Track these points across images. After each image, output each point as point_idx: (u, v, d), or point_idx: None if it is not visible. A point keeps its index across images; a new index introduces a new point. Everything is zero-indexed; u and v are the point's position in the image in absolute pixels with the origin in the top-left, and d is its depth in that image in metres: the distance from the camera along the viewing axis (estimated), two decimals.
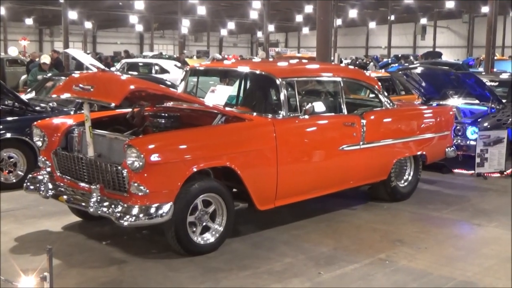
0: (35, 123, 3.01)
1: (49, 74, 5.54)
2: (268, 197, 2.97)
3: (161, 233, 2.57)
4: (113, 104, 2.46)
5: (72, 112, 3.84)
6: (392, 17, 21.69)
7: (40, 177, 2.76)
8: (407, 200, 3.55)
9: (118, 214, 2.48)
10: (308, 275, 2.30)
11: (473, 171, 4.16)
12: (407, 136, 3.52)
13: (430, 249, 2.64)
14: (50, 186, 2.70)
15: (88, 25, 21.95)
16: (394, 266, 2.40)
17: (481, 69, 11.88)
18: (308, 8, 19.92)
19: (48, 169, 2.79)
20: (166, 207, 2.51)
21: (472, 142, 4.11)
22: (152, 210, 2.51)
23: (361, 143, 3.36)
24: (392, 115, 3.74)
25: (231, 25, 25.74)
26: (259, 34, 28.16)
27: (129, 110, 3.07)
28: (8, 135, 3.58)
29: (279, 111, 3.10)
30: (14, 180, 3.57)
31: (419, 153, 3.62)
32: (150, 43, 22.25)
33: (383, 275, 2.30)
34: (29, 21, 21.91)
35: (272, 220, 2.98)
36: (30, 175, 2.85)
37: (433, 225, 3.17)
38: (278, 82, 3.14)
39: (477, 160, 4.02)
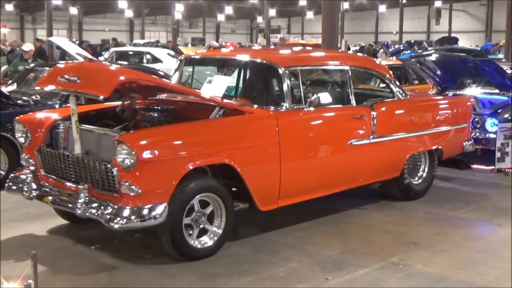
0: (17, 118, 2.99)
1: (32, 65, 5.52)
2: (270, 196, 2.95)
3: (155, 237, 2.56)
4: (101, 97, 2.44)
5: (57, 106, 3.84)
6: (404, 0, 21.67)
7: (23, 177, 2.74)
8: (421, 199, 3.57)
9: (108, 216, 2.45)
10: (314, 280, 2.31)
11: (493, 167, 4.14)
12: (421, 129, 3.51)
13: (447, 252, 2.64)
14: (34, 186, 2.69)
15: (74, 11, 21.99)
16: (408, 270, 2.40)
17: (500, 55, 11.85)
18: None
19: (32, 168, 2.78)
20: (160, 208, 2.48)
21: (492, 135, 4.10)
22: (145, 211, 2.48)
23: (371, 137, 3.32)
24: (405, 106, 3.68)
25: (228, 9, 25.75)
26: (259, 19, 28.19)
27: (119, 103, 3.06)
28: None
29: (282, 103, 3.07)
30: None
31: (434, 147, 3.62)
32: (141, 30, 22.18)
33: (396, 280, 2.30)
34: (9, 7, 21.93)
35: (275, 222, 2.98)
36: (12, 175, 2.84)
37: (450, 225, 3.14)
38: (280, 71, 3.10)
39: (497, 154, 4.00)
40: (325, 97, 3.17)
